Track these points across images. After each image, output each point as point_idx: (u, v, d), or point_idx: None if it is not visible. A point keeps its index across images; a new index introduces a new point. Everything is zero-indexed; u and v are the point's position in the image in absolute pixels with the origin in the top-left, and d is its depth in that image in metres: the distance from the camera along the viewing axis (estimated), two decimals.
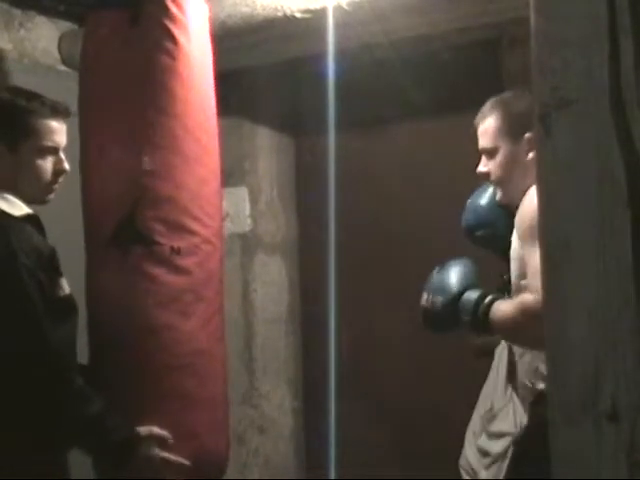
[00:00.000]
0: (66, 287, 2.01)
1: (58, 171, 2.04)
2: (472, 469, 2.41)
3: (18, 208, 1.97)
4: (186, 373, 2.02)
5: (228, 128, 3.05)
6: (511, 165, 2.13)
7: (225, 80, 2.38)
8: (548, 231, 1.18)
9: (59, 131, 2.03)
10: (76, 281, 2.10)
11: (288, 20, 2.72)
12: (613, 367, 1.09)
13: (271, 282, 3.64)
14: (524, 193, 2.05)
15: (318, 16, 2.66)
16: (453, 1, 2.62)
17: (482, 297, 2.10)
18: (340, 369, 3.12)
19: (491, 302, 2.08)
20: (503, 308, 2.07)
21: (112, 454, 1.96)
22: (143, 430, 1.95)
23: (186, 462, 1.99)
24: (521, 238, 2.06)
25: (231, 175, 3.36)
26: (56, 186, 2.05)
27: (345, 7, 2.64)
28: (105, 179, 2.07)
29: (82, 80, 2.17)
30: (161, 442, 1.97)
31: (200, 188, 2.07)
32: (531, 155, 2.04)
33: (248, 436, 3.54)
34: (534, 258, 1.92)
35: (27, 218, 1.98)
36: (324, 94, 2.86)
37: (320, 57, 2.82)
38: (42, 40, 3.09)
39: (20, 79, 2.79)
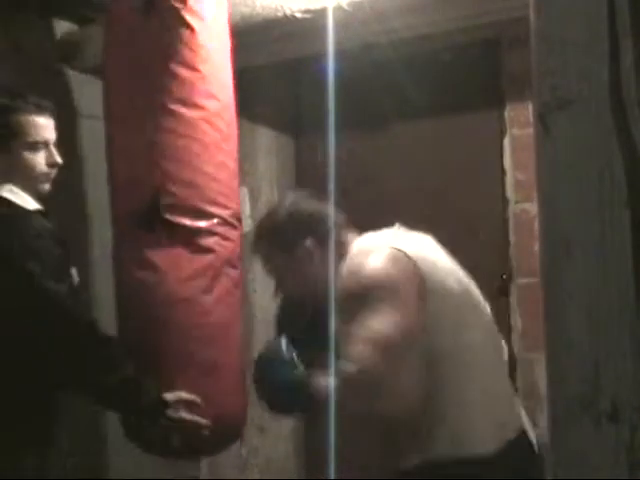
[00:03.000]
0: (75, 277, 2.09)
1: (51, 164, 2.08)
2: None
3: (28, 202, 2.02)
4: (207, 343, 2.18)
5: None
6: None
7: None
8: (548, 231, 1.18)
9: (46, 127, 2.06)
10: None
11: (288, 20, 2.72)
12: (613, 367, 1.09)
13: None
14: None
15: (318, 16, 2.66)
16: (453, 1, 2.63)
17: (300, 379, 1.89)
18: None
19: (308, 381, 1.89)
20: (323, 383, 1.88)
21: (142, 415, 2.08)
22: (171, 395, 2.07)
23: (209, 423, 2.12)
24: (347, 306, 1.89)
25: None
26: (51, 176, 2.09)
27: (345, 7, 2.64)
28: (129, 165, 2.20)
29: (105, 70, 2.29)
30: (189, 405, 2.08)
31: (218, 172, 2.22)
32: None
33: (248, 436, 3.53)
34: (359, 325, 1.81)
35: (37, 211, 2.04)
36: (324, 94, 2.85)
37: (320, 57, 2.81)
38: (42, 40, 3.08)
39: (20, 79, 2.79)
